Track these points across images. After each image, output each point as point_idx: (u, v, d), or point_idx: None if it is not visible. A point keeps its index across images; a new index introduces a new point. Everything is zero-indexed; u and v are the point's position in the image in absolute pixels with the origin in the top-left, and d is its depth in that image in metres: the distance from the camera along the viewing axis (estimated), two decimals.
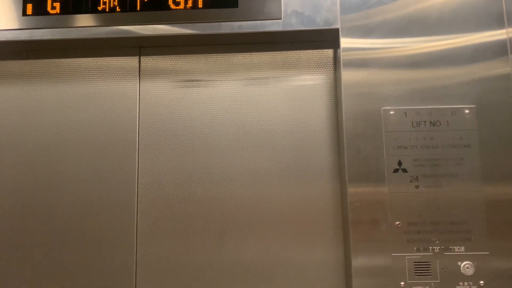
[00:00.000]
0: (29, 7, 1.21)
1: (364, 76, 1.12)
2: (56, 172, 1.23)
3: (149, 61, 1.27)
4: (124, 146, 1.23)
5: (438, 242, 1.05)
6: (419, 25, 1.13)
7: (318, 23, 1.15)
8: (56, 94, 1.27)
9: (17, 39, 1.21)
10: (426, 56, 1.12)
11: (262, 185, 1.19)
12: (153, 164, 1.22)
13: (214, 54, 1.26)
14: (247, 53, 1.25)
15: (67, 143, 1.25)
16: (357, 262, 1.06)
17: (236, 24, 1.17)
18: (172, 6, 1.18)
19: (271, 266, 1.16)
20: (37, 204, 1.23)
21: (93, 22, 1.19)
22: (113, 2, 1.19)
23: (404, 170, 1.08)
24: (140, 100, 1.26)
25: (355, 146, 1.09)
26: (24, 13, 1.21)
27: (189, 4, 1.18)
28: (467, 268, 1.03)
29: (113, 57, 1.28)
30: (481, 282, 1.03)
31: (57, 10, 1.20)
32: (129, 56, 1.28)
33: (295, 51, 1.25)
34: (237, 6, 1.17)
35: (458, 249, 1.05)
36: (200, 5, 1.17)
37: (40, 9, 1.21)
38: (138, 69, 1.27)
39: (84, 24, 1.19)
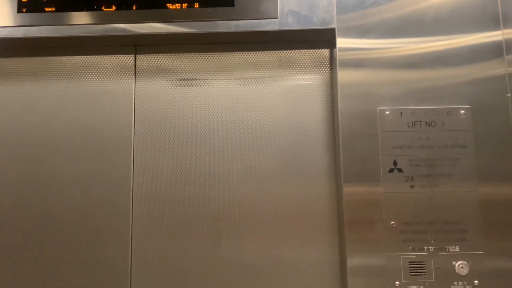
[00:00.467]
0: (24, 4, 1.20)
1: (360, 76, 1.12)
2: (49, 170, 1.23)
3: (145, 60, 1.27)
4: (120, 145, 1.23)
5: (433, 242, 1.05)
6: (416, 25, 1.13)
7: (315, 23, 1.15)
8: (50, 92, 1.26)
9: (12, 36, 1.20)
10: (422, 56, 1.12)
11: (257, 184, 1.19)
12: (149, 163, 1.22)
13: (210, 53, 1.26)
14: (243, 52, 1.25)
15: (61, 142, 1.24)
16: (352, 261, 1.06)
17: (232, 23, 1.16)
18: (169, 5, 1.18)
19: (267, 265, 1.16)
20: (30, 203, 1.22)
21: (89, 20, 1.19)
22: (109, 0, 1.19)
23: (400, 170, 1.08)
24: (136, 99, 1.25)
25: (351, 146, 1.09)
26: (19, 10, 1.20)
27: (186, 2, 1.17)
28: (462, 267, 1.04)
29: (109, 55, 1.27)
30: (476, 281, 1.03)
31: (53, 7, 1.20)
32: (124, 54, 1.27)
33: (292, 51, 1.24)
34: (233, 5, 1.16)
35: (453, 248, 1.05)
36: (197, 4, 1.17)
37: (35, 6, 1.20)
38: (133, 68, 1.27)
39: (80, 21, 1.19)
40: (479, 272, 1.04)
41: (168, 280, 1.17)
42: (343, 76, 1.12)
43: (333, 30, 1.15)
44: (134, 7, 1.18)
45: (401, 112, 1.10)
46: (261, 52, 1.25)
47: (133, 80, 1.26)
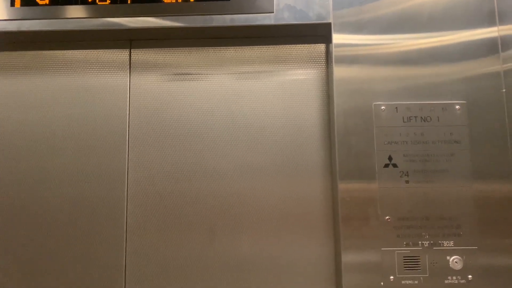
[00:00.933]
0: None
1: (355, 72, 1.12)
2: (44, 166, 1.22)
3: (140, 54, 1.26)
4: (114, 140, 1.22)
5: (427, 237, 1.06)
6: (411, 22, 1.13)
7: (311, 18, 1.15)
8: (44, 87, 1.25)
9: (5, 30, 1.19)
10: (418, 52, 1.12)
11: (252, 179, 1.19)
12: (144, 158, 1.21)
13: (205, 48, 1.25)
14: (239, 47, 1.25)
15: (56, 137, 1.23)
16: (347, 257, 1.06)
17: (228, 17, 1.16)
18: None
19: (262, 261, 1.16)
20: (24, 198, 1.21)
21: (83, 13, 1.18)
22: None
23: (395, 165, 1.08)
24: (131, 93, 1.24)
25: (346, 141, 1.09)
26: (12, 4, 1.19)
27: None
28: (456, 262, 1.04)
29: (104, 50, 1.26)
30: (469, 276, 1.04)
31: (46, 1, 1.19)
32: (119, 48, 1.26)
33: (287, 46, 1.24)
34: None
35: (447, 243, 1.05)
36: None
37: None
38: (128, 62, 1.26)
39: (74, 15, 1.18)
40: (473, 267, 1.04)
41: (162, 275, 1.17)
42: (339, 71, 1.12)
43: (329, 25, 1.15)
44: (129, 0, 1.17)
45: (396, 107, 1.10)
46: (256, 47, 1.24)
47: (128, 75, 1.25)
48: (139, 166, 1.21)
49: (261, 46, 1.24)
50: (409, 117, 1.10)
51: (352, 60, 1.12)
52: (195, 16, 1.16)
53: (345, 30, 1.14)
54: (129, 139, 1.22)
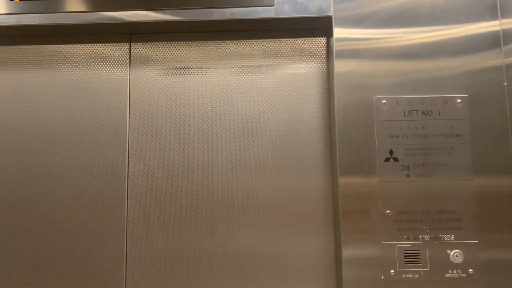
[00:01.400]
0: None
1: (356, 66, 1.11)
2: (44, 160, 1.22)
3: (139, 48, 1.26)
4: (114, 135, 1.22)
5: (428, 230, 1.05)
6: (412, 15, 1.13)
7: (311, 11, 1.14)
8: (44, 81, 1.25)
9: (4, 24, 1.18)
10: (419, 46, 1.11)
11: (253, 173, 1.18)
12: (144, 152, 1.21)
13: (205, 42, 1.25)
14: (239, 41, 1.24)
15: (56, 131, 1.23)
16: (348, 251, 1.06)
17: (228, 10, 1.15)
18: None
19: (262, 256, 1.16)
20: (24, 193, 1.21)
21: (83, 7, 1.17)
22: None
23: (396, 159, 1.08)
24: (131, 87, 1.24)
25: (347, 135, 1.09)
26: None
27: None
28: (456, 256, 1.04)
29: (103, 44, 1.26)
30: (470, 270, 1.04)
31: None
32: (119, 43, 1.26)
33: (288, 39, 1.23)
34: None
35: (448, 237, 1.05)
36: None
37: None
38: (128, 56, 1.25)
39: (74, 9, 1.17)
40: (473, 261, 1.04)
41: (163, 270, 1.17)
42: (340, 66, 1.11)
43: (329, 18, 1.14)
44: None
45: (397, 101, 1.10)
46: (257, 40, 1.24)
47: (128, 69, 1.25)
48: (139, 160, 1.21)
49: (261, 40, 1.24)
50: (410, 111, 1.09)
51: (353, 53, 1.12)
52: (195, 10, 1.16)
53: (346, 23, 1.13)
54: (129, 133, 1.22)
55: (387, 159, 1.08)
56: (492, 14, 1.11)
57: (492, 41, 1.10)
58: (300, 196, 1.17)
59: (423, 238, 1.05)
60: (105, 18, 1.17)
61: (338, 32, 1.13)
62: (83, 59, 1.26)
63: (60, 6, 1.18)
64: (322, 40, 1.23)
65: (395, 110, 1.09)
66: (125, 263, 1.18)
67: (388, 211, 1.06)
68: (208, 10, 1.15)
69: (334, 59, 1.12)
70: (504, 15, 1.11)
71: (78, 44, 1.26)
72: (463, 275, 1.04)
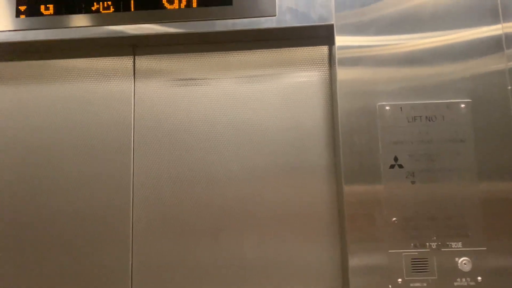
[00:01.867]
0: (23, 8, 1.21)
1: (359, 74, 1.11)
2: (49, 173, 1.23)
3: (144, 61, 1.27)
4: (119, 146, 1.23)
5: (435, 238, 1.04)
6: (414, 21, 1.13)
7: (313, 19, 1.15)
8: (50, 95, 1.27)
9: (11, 40, 1.21)
10: (421, 52, 1.11)
11: (258, 183, 1.18)
12: (149, 164, 1.22)
13: (209, 53, 1.26)
14: (242, 51, 1.25)
15: (62, 145, 1.24)
16: (354, 259, 1.05)
17: (230, 22, 1.16)
18: (166, 5, 1.18)
19: (268, 264, 1.16)
20: (31, 206, 1.22)
21: (87, 22, 1.19)
22: (107, 2, 1.19)
23: (400, 166, 1.07)
24: (136, 100, 1.25)
25: (351, 142, 1.09)
26: (17, 15, 1.21)
27: (183, 2, 1.17)
28: (465, 264, 1.02)
29: (108, 57, 1.28)
30: (479, 278, 1.02)
31: (51, 11, 1.20)
32: (123, 56, 1.27)
33: (290, 48, 1.24)
34: (231, 4, 1.16)
35: (455, 245, 1.04)
36: (194, 3, 1.17)
37: (33, 10, 1.21)
38: (133, 69, 1.27)
39: (78, 24, 1.19)
40: (482, 268, 1.02)
41: (168, 279, 1.17)
42: (342, 73, 1.12)
43: (331, 26, 1.14)
44: (132, 8, 1.18)
45: (401, 107, 1.09)
46: (260, 50, 1.25)
47: (132, 81, 1.26)
48: (144, 171, 1.21)
49: (264, 50, 1.24)
50: (414, 116, 1.09)
51: (355, 61, 1.12)
52: (198, 22, 1.17)
53: (348, 31, 1.13)
54: (134, 144, 1.23)
55: (392, 166, 1.07)
56: (494, 18, 1.11)
57: (495, 45, 1.10)
58: (305, 205, 1.17)
59: (430, 245, 1.04)
60: (109, 32, 1.19)
61: (340, 40, 1.13)
62: (88, 73, 1.27)
63: (65, 21, 1.20)
64: (324, 49, 1.24)
65: (398, 116, 1.09)
66: (130, 273, 1.18)
67: (394, 218, 1.05)
68: (210, 21, 1.17)
69: (337, 67, 1.12)
70: (506, 19, 1.11)
71: (83, 59, 1.28)
72: (472, 283, 1.02)
